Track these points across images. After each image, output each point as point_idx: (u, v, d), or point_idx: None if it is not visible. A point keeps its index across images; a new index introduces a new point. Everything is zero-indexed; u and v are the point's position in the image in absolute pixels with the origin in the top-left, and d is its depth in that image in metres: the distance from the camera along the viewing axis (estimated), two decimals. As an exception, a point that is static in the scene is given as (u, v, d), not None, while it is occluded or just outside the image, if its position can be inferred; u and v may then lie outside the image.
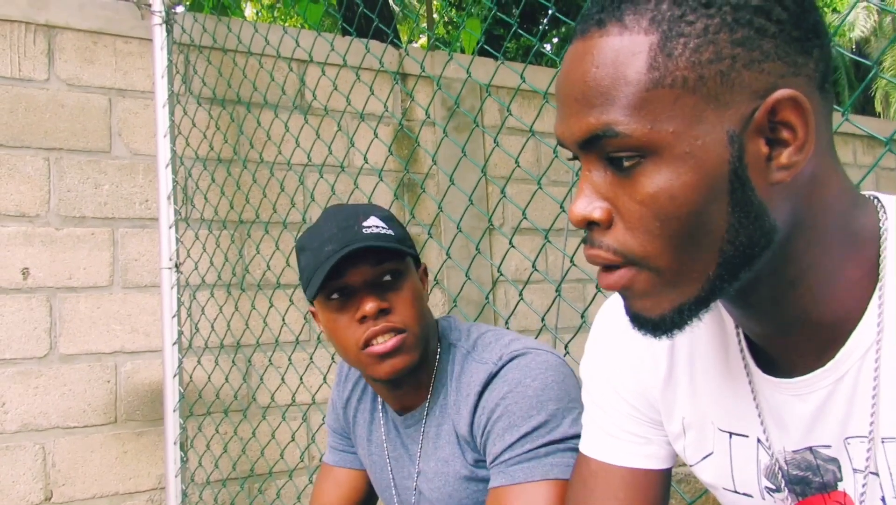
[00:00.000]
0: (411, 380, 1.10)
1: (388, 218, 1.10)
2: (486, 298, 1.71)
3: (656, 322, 0.60)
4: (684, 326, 0.60)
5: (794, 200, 0.58)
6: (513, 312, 1.77)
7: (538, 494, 0.95)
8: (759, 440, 0.69)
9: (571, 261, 1.42)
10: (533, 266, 1.49)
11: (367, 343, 1.04)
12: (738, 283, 0.59)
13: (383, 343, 1.04)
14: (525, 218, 1.51)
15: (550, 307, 1.61)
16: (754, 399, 0.68)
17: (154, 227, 2.62)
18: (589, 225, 0.59)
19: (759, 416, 0.68)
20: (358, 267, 1.03)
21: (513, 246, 1.58)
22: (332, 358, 1.57)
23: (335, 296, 1.05)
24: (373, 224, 1.06)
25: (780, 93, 0.55)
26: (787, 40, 0.55)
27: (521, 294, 1.57)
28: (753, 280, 0.59)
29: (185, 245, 2.60)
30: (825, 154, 0.59)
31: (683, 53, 0.55)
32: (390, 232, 1.07)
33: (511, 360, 1.05)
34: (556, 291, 1.48)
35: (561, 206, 1.50)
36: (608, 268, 0.60)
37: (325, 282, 1.03)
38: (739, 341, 0.69)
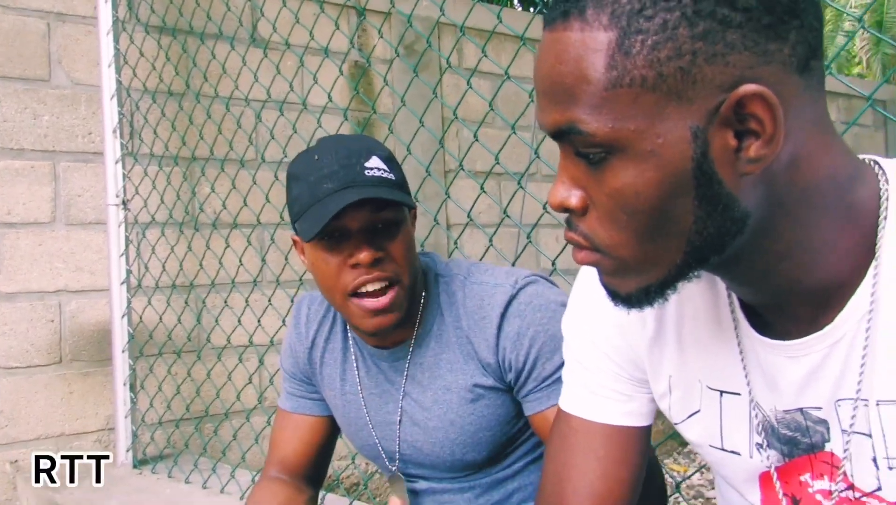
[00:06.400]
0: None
1: (388, 159, 1.07)
2: (455, 243, 1.71)
3: (625, 297, 0.63)
4: (653, 303, 0.62)
5: (770, 185, 0.57)
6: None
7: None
8: (750, 398, 0.70)
9: (544, 207, 1.43)
10: (504, 212, 1.49)
11: (357, 290, 1.04)
12: (707, 266, 0.61)
13: (375, 300, 1.04)
14: (498, 163, 1.50)
15: (519, 255, 1.62)
16: (742, 359, 0.69)
17: (99, 162, 2.50)
18: (566, 210, 0.62)
19: (746, 375, 0.69)
20: (357, 212, 1.01)
21: (483, 190, 1.57)
22: (292, 300, 1.55)
23: (327, 237, 1.03)
24: (375, 166, 1.03)
25: (745, 88, 0.53)
26: (755, 28, 0.53)
27: (490, 241, 1.58)
28: (735, 256, 0.60)
29: (133, 181, 2.50)
30: (812, 132, 0.58)
31: (641, 51, 0.53)
32: (391, 176, 1.05)
33: (527, 284, 1.08)
34: (520, 235, 1.49)
35: (536, 152, 1.50)
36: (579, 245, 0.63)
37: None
38: (731, 301, 0.70)
